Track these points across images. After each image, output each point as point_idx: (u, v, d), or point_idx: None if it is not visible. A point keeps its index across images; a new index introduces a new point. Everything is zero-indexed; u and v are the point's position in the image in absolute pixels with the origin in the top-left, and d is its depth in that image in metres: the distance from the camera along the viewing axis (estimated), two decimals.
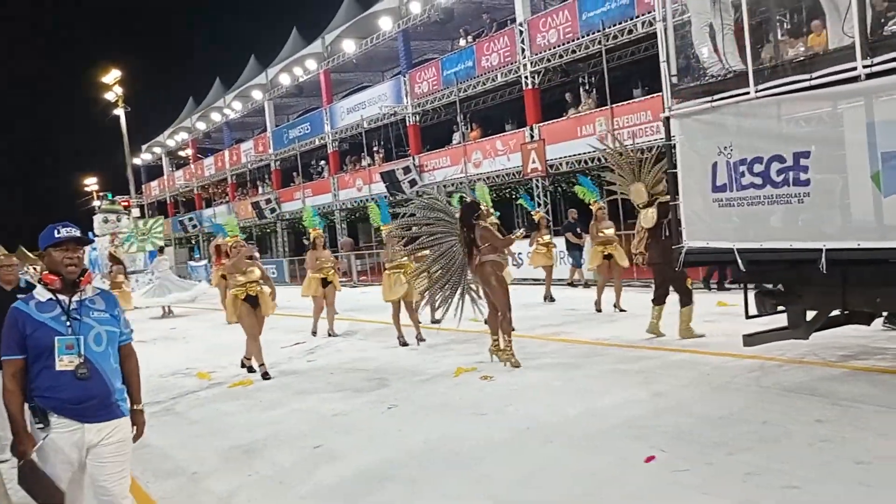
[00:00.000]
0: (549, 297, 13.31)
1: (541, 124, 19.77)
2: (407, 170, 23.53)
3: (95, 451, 3.33)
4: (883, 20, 5.29)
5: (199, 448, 5.90)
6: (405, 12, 23.95)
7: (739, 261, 6.10)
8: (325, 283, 11.38)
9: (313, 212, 12.81)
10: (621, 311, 11.11)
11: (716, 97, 6.24)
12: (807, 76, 5.51)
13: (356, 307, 14.94)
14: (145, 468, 5.44)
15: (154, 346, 11.88)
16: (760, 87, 5.83)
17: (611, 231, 11.35)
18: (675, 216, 6.84)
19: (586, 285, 14.93)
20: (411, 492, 4.49)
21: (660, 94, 16.88)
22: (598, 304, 11.35)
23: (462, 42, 23.37)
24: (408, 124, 24.79)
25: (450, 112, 23.84)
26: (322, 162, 31.13)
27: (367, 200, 25.62)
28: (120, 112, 41.30)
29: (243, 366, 9.01)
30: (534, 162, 19.37)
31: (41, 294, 3.36)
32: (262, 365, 8.56)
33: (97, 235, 21.89)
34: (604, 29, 17.30)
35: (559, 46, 18.83)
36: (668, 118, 6.82)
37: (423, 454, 5.16)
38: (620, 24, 17.08)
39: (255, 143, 34.57)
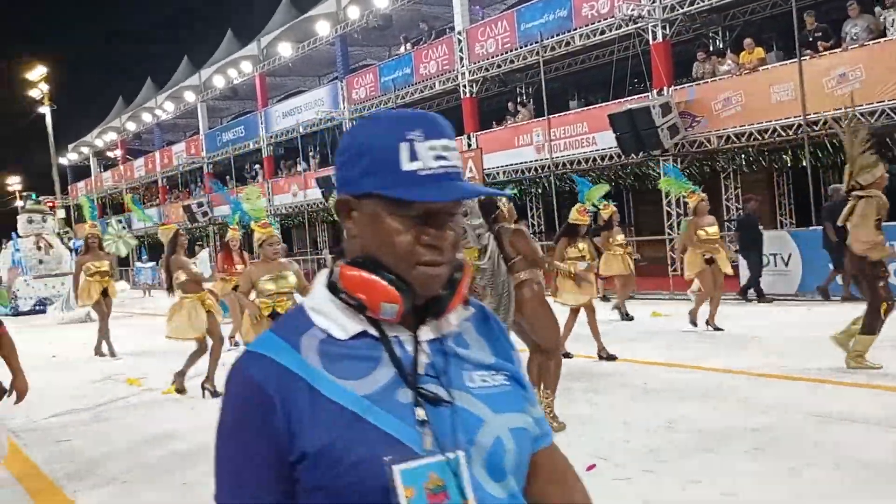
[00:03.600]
0: (625, 314, 10.97)
1: (478, 133, 19.89)
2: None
3: None
4: None
5: (129, 456, 5.70)
6: (343, 17, 23.81)
7: None
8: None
9: None
10: (717, 329, 9.35)
11: None
12: None
13: None
14: (72, 477, 5.23)
15: (84, 351, 11.49)
16: None
17: (714, 230, 9.38)
18: None
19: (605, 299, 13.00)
20: None
21: (595, 106, 17.37)
22: (694, 316, 9.52)
23: (402, 49, 23.36)
24: (344, 130, 24.55)
25: None
26: (256, 166, 30.65)
27: (302, 206, 25.40)
28: (46, 110, 40.08)
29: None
30: (471, 171, 19.44)
31: (331, 318, 1.11)
32: None
33: (21, 236, 21.05)
34: (542, 40, 17.51)
35: (497, 56, 18.98)
36: None
37: None
38: (558, 35, 17.33)
39: (188, 145, 33.84)
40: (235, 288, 9.58)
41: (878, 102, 12.35)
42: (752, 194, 14.22)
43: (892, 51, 12.36)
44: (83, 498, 4.84)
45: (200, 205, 30.99)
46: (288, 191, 27.02)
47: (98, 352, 11.14)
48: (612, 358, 7.91)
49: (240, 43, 30.87)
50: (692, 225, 9.40)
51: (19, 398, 4.25)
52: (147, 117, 37.18)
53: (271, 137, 28.11)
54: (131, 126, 39.06)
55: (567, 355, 7.87)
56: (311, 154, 26.80)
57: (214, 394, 7.43)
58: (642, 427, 5.34)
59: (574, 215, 8.12)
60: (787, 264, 12.28)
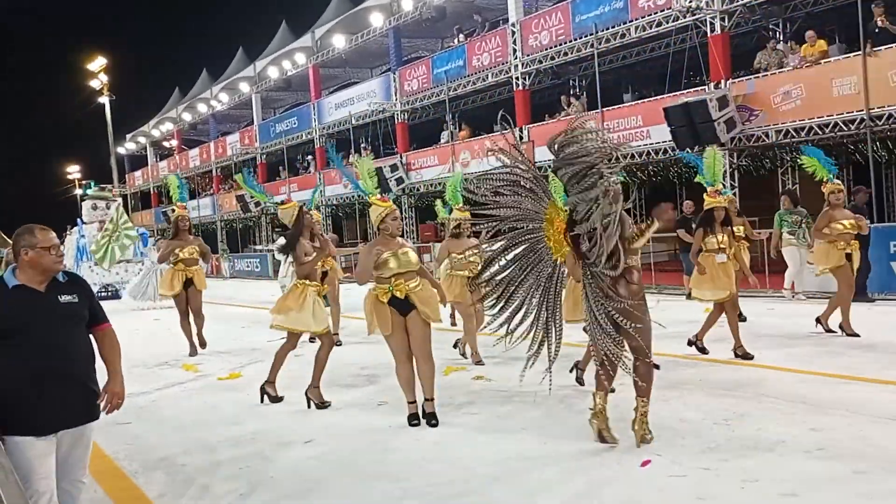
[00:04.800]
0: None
1: (530, 126, 19.78)
2: (394, 167, 23.48)
3: None
4: None
5: (187, 440, 5.82)
6: (397, 9, 23.90)
7: None
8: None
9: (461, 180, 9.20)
10: (850, 335, 8.31)
11: None
12: None
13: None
14: (133, 459, 5.36)
15: (138, 336, 11.73)
16: None
17: (852, 223, 8.49)
18: None
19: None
20: (402, 489, 4.44)
21: (650, 99, 17.10)
22: (845, 323, 8.43)
23: (455, 41, 23.35)
24: (396, 122, 24.72)
25: (439, 111, 23.80)
26: (309, 157, 30.98)
27: (353, 197, 25.54)
28: (105, 100, 41.02)
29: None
30: None
31: None
32: (412, 402, 5.81)
33: (86, 222, 21.52)
34: (596, 32, 17.32)
35: (551, 48, 18.84)
36: None
37: (413, 452, 5.12)
38: (613, 27, 17.12)
39: (242, 136, 34.35)
40: (323, 275, 8.86)
41: None
42: (862, 186, 13.39)
43: None
44: (143, 479, 4.96)
45: (253, 195, 31.36)
46: (340, 182, 27.23)
47: (193, 350, 9.81)
48: (748, 356, 7.38)
49: (294, 35, 31.19)
50: (826, 217, 8.54)
51: (110, 403, 3.62)
52: (202, 108, 37.84)
53: (324, 128, 28.38)
54: (187, 116, 39.80)
55: (703, 350, 7.70)
56: (362, 145, 26.96)
57: (321, 405, 6.54)
58: (698, 424, 5.27)
59: (707, 200, 7.50)
60: None
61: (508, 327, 4.85)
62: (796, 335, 8.64)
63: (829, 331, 8.54)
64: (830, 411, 5.41)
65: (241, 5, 68.42)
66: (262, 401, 6.82)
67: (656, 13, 16.18)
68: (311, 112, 28.96)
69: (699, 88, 15.79)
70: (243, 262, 30.39)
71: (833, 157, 14.99)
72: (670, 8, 15.72)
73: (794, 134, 14.25)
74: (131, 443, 5.76)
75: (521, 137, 19.76)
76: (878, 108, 12.82)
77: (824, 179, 8.63)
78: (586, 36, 17.69)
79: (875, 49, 12.80)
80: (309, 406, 6.56)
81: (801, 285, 11.87)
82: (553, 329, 4.78)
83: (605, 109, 17.48)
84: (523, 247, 4.87)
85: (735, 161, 15.45)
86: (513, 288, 4.85)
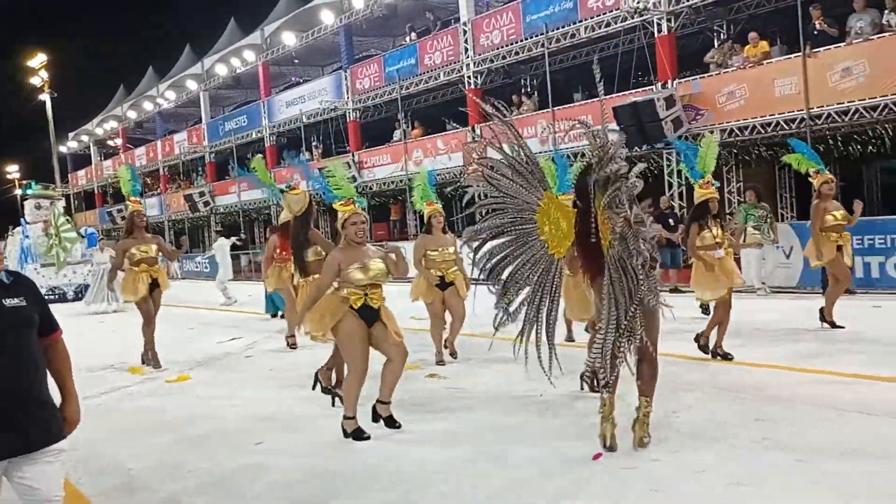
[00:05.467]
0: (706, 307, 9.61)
1: (483, 125, 19.82)
2: (346, 166, 23.32)
3: None
4: None
5: (134, 445, 5.70)
6: (347, 7, 23.77)
7: None
8: (444, 284, 7.91)
9: (430, 176, 8.70)
10: (835, 326, 8.37)
11: None
12: None
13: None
14: (77, 466, 5.22)
15: (82, 339, 11.44)
16: None
17: (842, 213, 8.36)
18: None
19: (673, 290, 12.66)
20: (359, 489, 4.42)
21: (599, 98, 17.25)
22: (828, 314, 8.44)
23: (407, 39, 23.32)
24: (348, 120, 24.59)
25: (391, 109, 23.74)
26: (259, 156, 30.56)
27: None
28: (46, 98, 39.96)
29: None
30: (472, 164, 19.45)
31: None
32: (351, 418, 5.44)
33: (30, 222, 20.84)
34: (547, 32, 17.47)
35: (502, 48, 18.95)
36: None
37: (371, 454, 5.10)
38: (563, 27, 17.29)
39: (189, 134, 33.79)
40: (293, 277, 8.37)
41: (881, 97, 12.37)
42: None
43: None
44: (88, 487, 4.85)
45: (202, 194, 30.94)
46: (292, 181, 26.98)
47: (146, 360, 8.90)
48: (727, 357, 7.16)
49: (243, 31, 30.77)
50: (820, 209, 8.29)
51: (68, 429, 3.15)
52: (148, 106, 37.11)
53: (274, 127, 28.10)
54: (132, 114, 38.97)
55: (727, 356, 7.21)
56: (314, 144, 26.77)
57: (328, 390, 6.23)
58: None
59: (698, 191, 7.04)
60: (788, 257, 12.30)
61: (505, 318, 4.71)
62: (747, 330, 8.80)
63: (835, 326, 8.32)
64: (777, 400, 5.54)
65: (189, 1, 67.26)
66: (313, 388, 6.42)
67: (605, 14, 16.40)
68: (261, 110, 28.64)
69: (647, 88, 16.04)
70: (192, 263, 29.89)
71: (775, 155, 15.50)
72: (619, 9, 15.95)
73: (739, 133, 14.58)
74: (77, 449, 5.60)
75: (473, 137, 19.83)
76: (818, 107, 13.19)
77: (812, 171, 8.43)
78: (537, 36, 17.85)
79: (814, 50, 13.16)
80: (314, 387, 6.37)
81: (769, 279, 12.04)
82: (543, 326, 4.65)
83: (555, 108, 17.64)
84: (513, 237, 4.72)
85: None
86: (508, 281, 4.73)
